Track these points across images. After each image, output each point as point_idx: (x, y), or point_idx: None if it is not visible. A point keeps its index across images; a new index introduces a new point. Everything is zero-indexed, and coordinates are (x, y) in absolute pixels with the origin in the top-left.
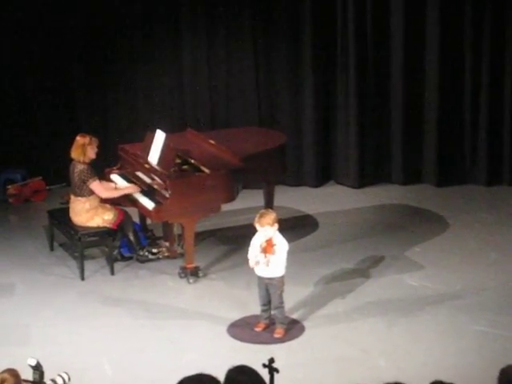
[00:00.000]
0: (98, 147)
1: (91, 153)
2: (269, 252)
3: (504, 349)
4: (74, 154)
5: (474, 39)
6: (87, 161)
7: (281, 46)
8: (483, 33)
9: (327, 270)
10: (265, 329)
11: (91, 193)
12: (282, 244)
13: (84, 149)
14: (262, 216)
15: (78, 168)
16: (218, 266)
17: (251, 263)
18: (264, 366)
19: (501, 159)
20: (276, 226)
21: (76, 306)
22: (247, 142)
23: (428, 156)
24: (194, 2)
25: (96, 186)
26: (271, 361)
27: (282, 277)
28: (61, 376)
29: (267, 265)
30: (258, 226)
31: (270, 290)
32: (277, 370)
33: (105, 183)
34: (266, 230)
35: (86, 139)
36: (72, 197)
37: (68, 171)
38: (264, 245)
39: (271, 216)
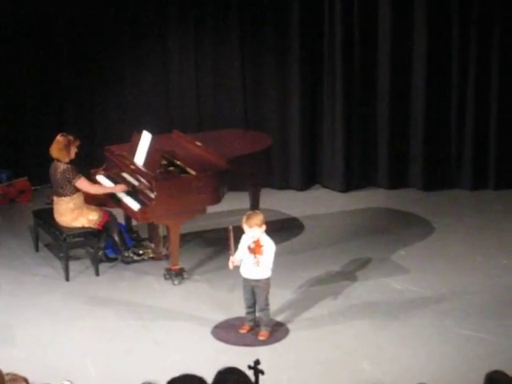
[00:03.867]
0: (78, 148)
1: (73, 153)
2: (258, 253)
3: (488, 353)
4: (57, 153)
5: (460, 50)
6: (68, 160)
7: (268, 49)
8: (469, 44)
9: (312, 273)
10: (249, 331)
11: (75, 191)
12: (269, 245)
13: (67, 149)
14: (249, 217)
15: (61, 168)
16: (202, 268)
17: (230, 264)
18: (249, 367)
19: (486, 164)
20: (264, 227)
21: (61, 307)
22: (233, 144)
23: (414, 160)
24: (181, 6)
25: (82, 182)
26: (257, 362)
27: (268, 279)
28: None
29: (258, 265)
30: (245, 227)
31: (255, 292)
32: (262, 372)
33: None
34: (254, 231)
35: (69, 139)
36: (55, 198)
37: None
38: (252, 246)
39: (259, 217)
